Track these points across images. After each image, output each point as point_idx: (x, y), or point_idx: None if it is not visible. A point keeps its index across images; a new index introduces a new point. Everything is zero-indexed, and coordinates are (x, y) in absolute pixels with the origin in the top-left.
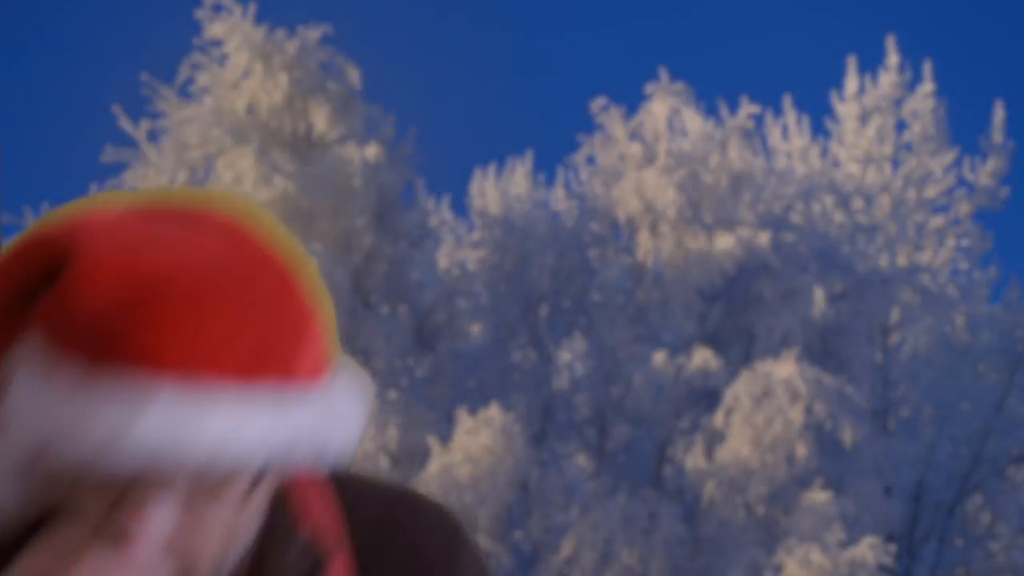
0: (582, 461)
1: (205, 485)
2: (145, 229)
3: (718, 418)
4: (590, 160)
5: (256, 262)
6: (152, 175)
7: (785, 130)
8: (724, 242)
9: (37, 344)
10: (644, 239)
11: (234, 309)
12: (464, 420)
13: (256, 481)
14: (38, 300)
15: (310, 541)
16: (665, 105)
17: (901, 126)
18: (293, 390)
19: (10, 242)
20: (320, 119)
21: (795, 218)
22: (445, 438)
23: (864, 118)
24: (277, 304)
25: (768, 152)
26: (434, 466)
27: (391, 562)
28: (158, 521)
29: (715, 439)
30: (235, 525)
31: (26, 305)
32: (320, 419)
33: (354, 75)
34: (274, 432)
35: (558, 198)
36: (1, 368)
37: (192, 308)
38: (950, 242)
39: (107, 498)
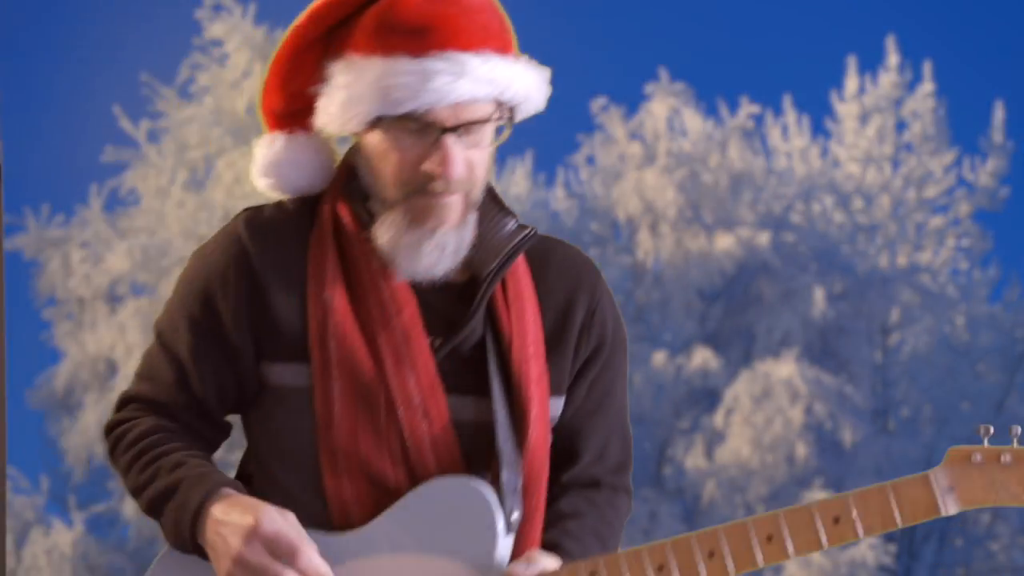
0: None
1: (475, 135)
2: None
3: (718, 418)
4: (590, 160)
5: None
6: (152, 175)
7: (785, 130)
8: (724, 242)
9: (364, 47)
10: (644, 239)
11: (485, 11)
12: None
13: (496, 133)
14: (347, 27)
15: (518, 225)
16: (665, 105)
17: (901, 126)
18: (519, 62)
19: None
20: None
21: (795, 218)
22: None
23: (864, 118)
24: (497, 13)
25: (768, 152)
26: None
27: (552, 265)
28: (459, 154)
29: (715, 439)
30: (488, 165)
31: (327, 44)
32: (534, 78)
33: None
34: (522, 83)
35: (558, 198)
36: (323, 71)
37: (468, 6)
38: (950, 242)
39: (427, 146)
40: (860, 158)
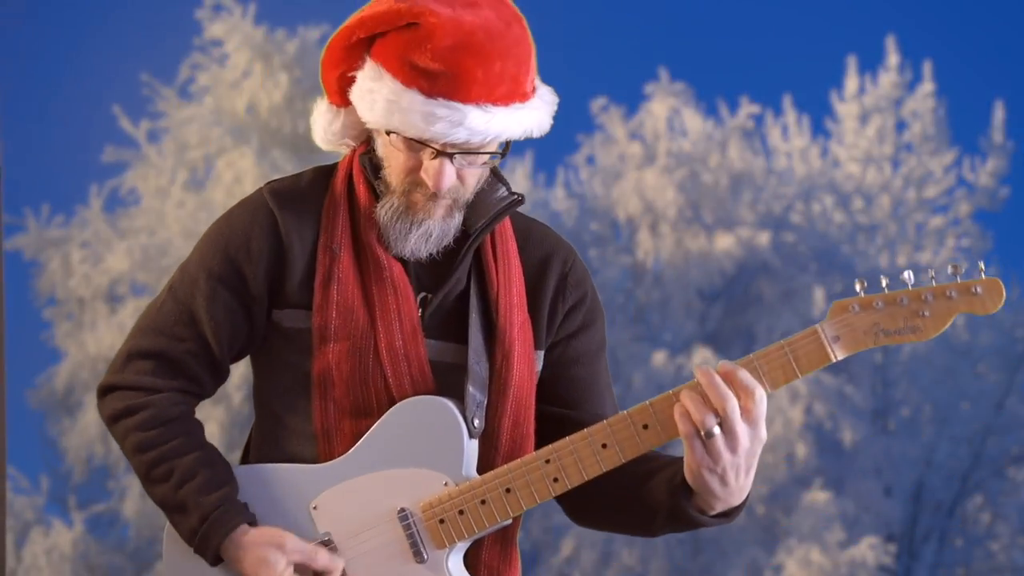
0: None
1: (469, 158)
2: (451, 5)
3: None
4: (590, 160)
5: (508, 17)
6: (152, 175)
7: (785, 130)
8: (724, 242)
9: (390, 66)
10: (644, 239)
11: (503, 55)
12: None
13: (496, 155)
14: (384, 38)
15: (508, 192)
16: (665, 105)
17: (901, 126)
18: (525, 103)
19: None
20: None
21: (795, 218)
22: None
23: (864, 118)
24: (520, 46)
25: (768, 152)
26: None
27: (532, 237)
28: (449, 171)
29: None
30: (481, 177)
31: (371, 41)
32: (536, 117)
33: None
34: (519, 127)
35: (558, 198)
36: (345, 77)
37: (485, 56)
38: (950, 242)
39: (425, 158)
40: (860, 158)
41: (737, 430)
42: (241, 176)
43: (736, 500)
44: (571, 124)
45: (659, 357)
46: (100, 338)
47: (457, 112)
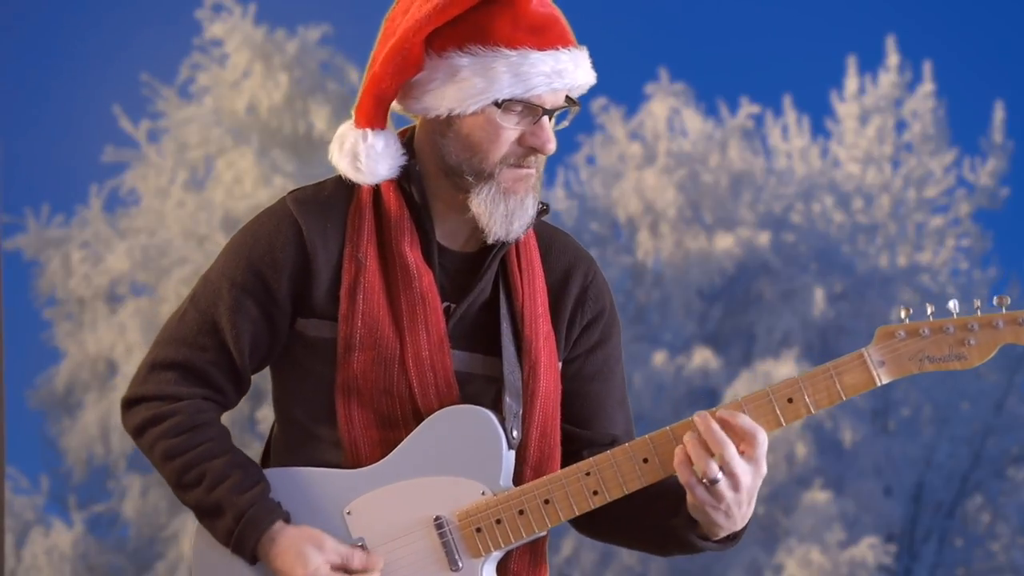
0: None
1: (555, 116)
2: None
3: None
4: (590, 160)
5: None
6: (152, 175)
7: (785, 130)
8: (724, 242)
9: (486, 39)
10: (644, 239)
11: (557, 11)
12: None
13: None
14: (457, 23)
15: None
16: (665, 105)
17: (901, 126)
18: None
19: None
20: (320, 119)
21: (795, 218)
22: None
23: (864, 118)
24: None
25: (768, 152)
26: None
27: (554, 247)
28: (553, 132)
29: None
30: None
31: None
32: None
33: (354, 75)
34: (588, 72)
35: (558, 198)
36: (424, 58)
37: (560, 11)
38: (950, 242)
39: (528, 125)
40: (860, 158)
41: (738, 471)
42: (241, 176)
43: (740, 526)
44: (571, 124)
45: (659, 357)
46: (100, 338)
47: (575, 54)
